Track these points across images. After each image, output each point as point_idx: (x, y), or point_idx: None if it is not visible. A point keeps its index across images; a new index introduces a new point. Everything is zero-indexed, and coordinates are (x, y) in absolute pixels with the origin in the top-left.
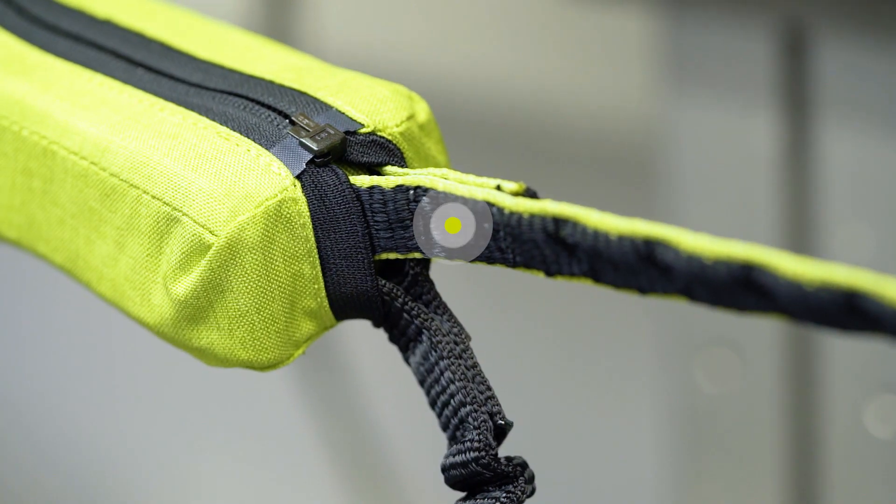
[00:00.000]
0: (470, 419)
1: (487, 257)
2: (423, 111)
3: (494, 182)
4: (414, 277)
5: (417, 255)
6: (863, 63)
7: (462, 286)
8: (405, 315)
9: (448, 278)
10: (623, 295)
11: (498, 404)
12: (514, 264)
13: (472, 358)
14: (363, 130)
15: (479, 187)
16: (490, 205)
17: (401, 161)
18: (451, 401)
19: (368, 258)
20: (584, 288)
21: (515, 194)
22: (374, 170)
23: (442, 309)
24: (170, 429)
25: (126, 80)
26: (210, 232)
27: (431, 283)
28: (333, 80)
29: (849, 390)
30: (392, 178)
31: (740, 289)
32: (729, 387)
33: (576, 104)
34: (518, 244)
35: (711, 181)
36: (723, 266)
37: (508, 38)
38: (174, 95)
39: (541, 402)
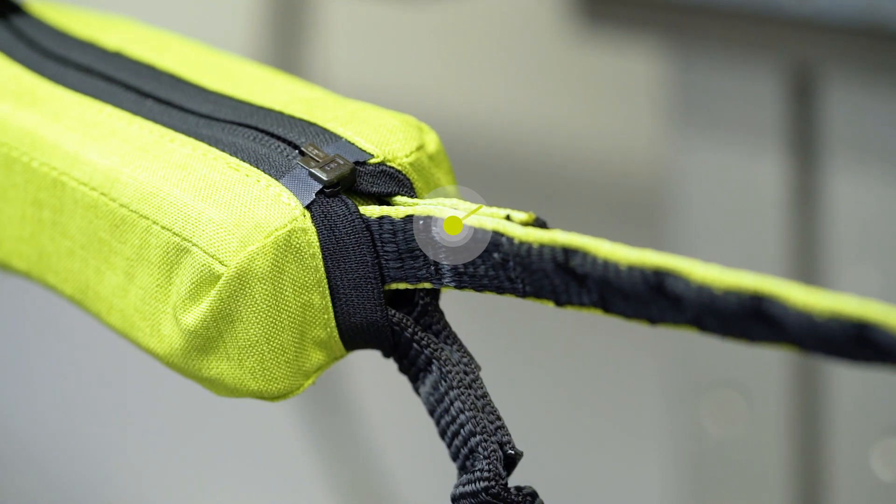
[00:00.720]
0: (480, 449)
1: (497, 287)
2: (432, 142)
3: (504, 212)
4: (424, 307)
5: (427, 286)
6: (870, 106)
7: (471, 317)
8: (415, 345)
9: (457, 309)
10: (629, 336)
11: (508, 434)
12: (523, 294)
13: (482, 388)
14: (372, 161)
15: (489, 217)
16: (499, 234)
17: (410, 191)
18: (461, 431)
19: (378, 288)
20: (590, 329)
21: (525, 224)
22: (383, 200)
23: (452, 339)
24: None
25: (136, 112)
26: (219, 262)
27: (441, 313)
28: (343, 110)
29: (855, 433)
30: (402, 208)
31: (750, 319)
32: (735, 429)
33: (584, 146)
34: (528, 274)
35: (719, 223)
36: (733, 297)
37: (518, 80)
38: (184, 126)
39: (545, 443)
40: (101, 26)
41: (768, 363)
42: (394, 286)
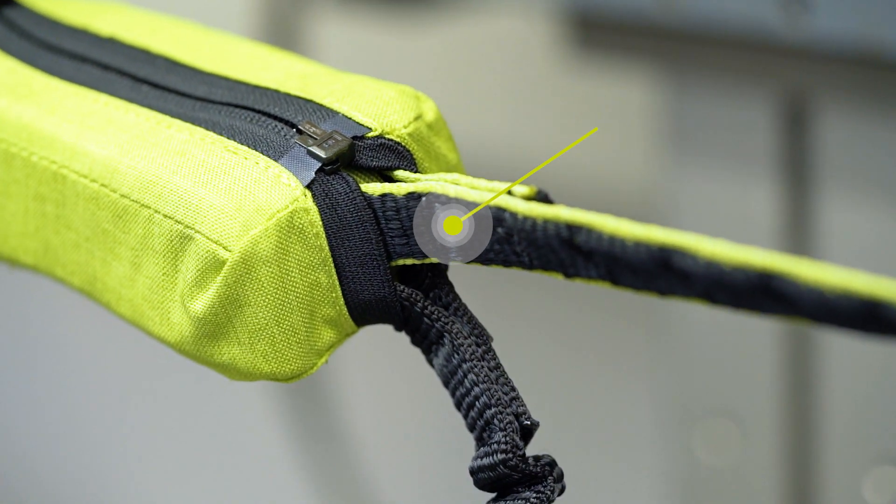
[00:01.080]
0: (496, 421)
1: (504, 261)
2: (430, 110)
3: (506, 186)
4: (432, 281)
5: (434, 261)
6: (863, 134)
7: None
8: (426, 319)
9: (462, 282)
10: (622, 364)
11: (523, 405)
12: (530, 267)
13: (495, 359)
14: (371, 134)
15: (491, 192)
16: (502, 210)
17: (411, 163)
18: (476, 403)
19: (384, 264)
20: (582, 357)
21: (527, 198)
22: (385, 174)
23: (462, 311)
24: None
25: (132, 99)
26: (223, 248)
27: (450, 285)
28: (339, 84)
29: (847, 461)
30: (404, 185)
31: (760, 295)
32: (728, 458)
33: (577, 173)
34: (533, 248)
35: None
36: (741, 273)
37: (511, 107)
38: (180, 111)
39: None
40: (94, 12)
41: (761, 392)
42: (401, 262)
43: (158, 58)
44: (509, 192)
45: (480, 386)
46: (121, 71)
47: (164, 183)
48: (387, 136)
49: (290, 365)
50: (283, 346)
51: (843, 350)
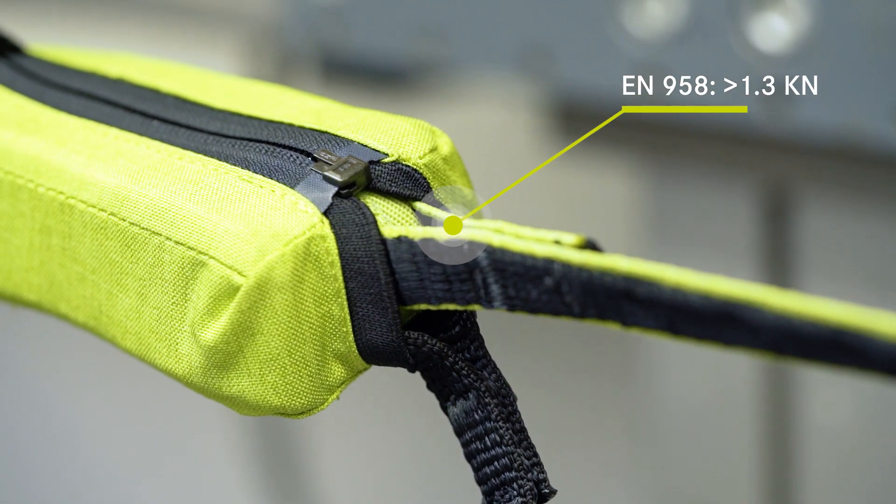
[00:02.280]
0: (515, 486)
1: (553, 310)
2: (445, 144)
3: (552, 235)
4: (464, 329)
5: (477, 307)
6: (844, 226)
7: None
8: (454, 374)
9: None
10: (599, 457)
11: (543, 471)
12: (582, 316)
13: (520, 421)
14: (387, 160)
15: (538, 242)
16: (551, 261)
17: (428, 192)
18: (495, 463)
19: (393, 307)
20: (561, 445)
21: (578, 248)
22: (408, 203)
23: (491, 367)
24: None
25: (142, 133)
26: (238, 273)
27: (481, 338)
28: (353, 117)
29: None
30: (444, 231)
31: (834, 351)
32: None
33: None
34: (589, 298)
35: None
36: (813, 328)
37: (493, 196)
38: (192, 144)
39: None
40: (102, 59)
41: (740, 484)
42: (444, 307)
43: (168, 96)
44: (556, 242)
45: (503, 448)
46: (130, 108)
47: (176, 210)
48: (403, 162)
49: (301, 399)
50: (294, 378)
51: (822, 443)
